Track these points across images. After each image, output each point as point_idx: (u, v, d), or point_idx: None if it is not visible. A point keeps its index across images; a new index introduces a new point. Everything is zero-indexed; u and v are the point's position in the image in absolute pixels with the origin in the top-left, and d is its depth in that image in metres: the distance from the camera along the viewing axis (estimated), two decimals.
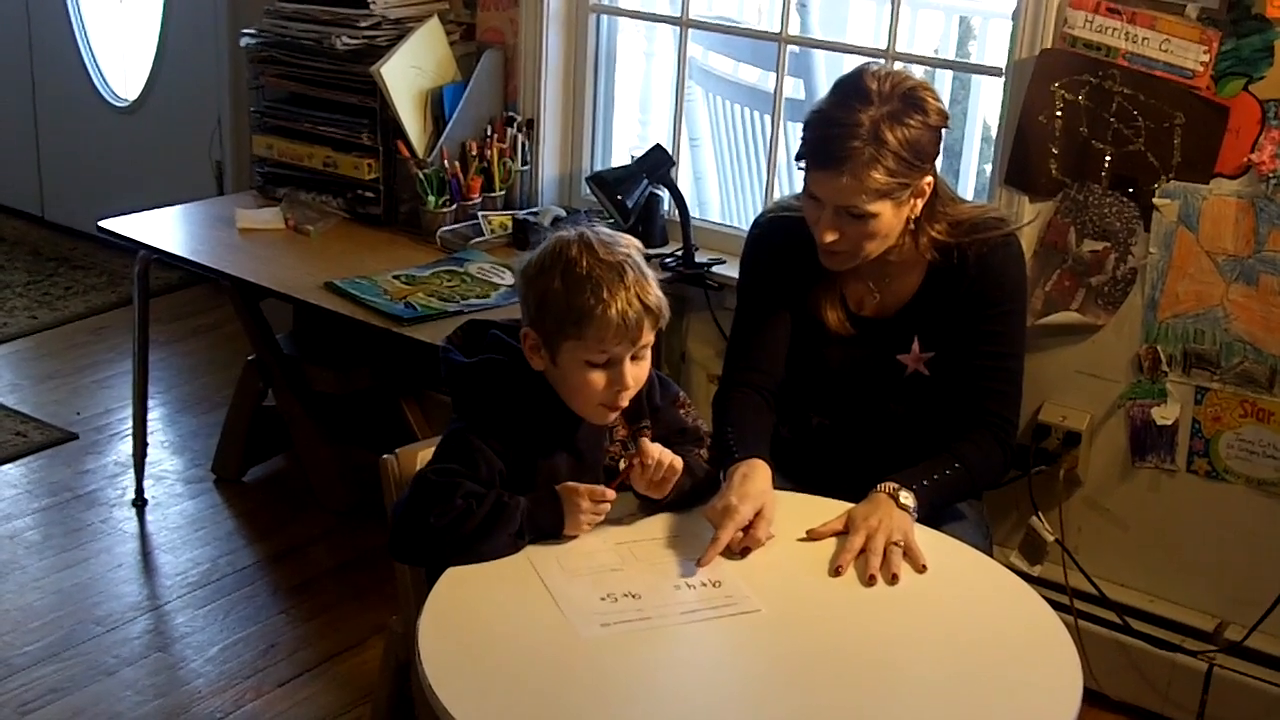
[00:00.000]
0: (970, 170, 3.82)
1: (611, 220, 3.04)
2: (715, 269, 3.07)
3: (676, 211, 3.10)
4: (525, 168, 3.30)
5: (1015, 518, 2.78)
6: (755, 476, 1.95)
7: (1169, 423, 2.62)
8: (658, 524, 1.92)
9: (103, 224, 3.18)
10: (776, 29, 3.13)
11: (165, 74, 4.54)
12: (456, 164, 3.20)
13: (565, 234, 1.85)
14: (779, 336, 2.26)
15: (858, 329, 2.22)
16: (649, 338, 1.85)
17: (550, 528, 1.84)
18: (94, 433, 3.67)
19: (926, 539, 1.97)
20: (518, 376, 1.88)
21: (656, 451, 1.87)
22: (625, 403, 1.87)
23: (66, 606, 2.95)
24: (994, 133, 2.88)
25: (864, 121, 2.01)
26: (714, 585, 1.79)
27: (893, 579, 1.84)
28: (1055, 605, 1.87)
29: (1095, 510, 2.75)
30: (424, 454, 1.98)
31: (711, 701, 1.62)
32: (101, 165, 4.76)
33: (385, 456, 1.99)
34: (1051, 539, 2.70)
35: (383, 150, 3.25)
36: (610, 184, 3.04)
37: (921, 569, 1.88)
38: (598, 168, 3.36)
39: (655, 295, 1.83)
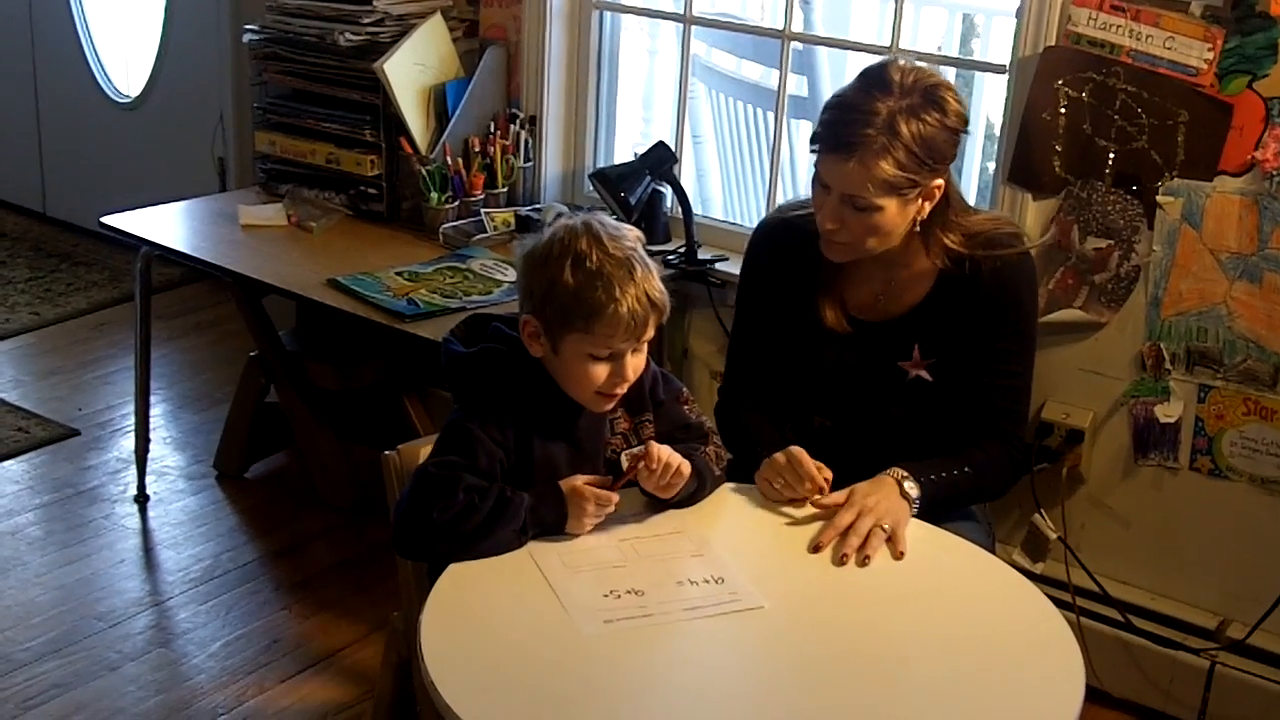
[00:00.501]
0: (973, 168, 3.81)
1: (618, 218, 3.04)
2: (718, 266, 3.07)
3: (679, 208, 3.09)
4: (528, 164, 3.30)
5: (1018, 515, 2.78)
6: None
7: (1172, 420, 2.61)
8: (661, 521, 1.91)
9: (105, 220, 3.18)
10: (780, 26, 3.12)
11: (168, 70, 4.54)
12: (459, 160, 3.20)
13: (571, 223, 1.84)
14: (777, 345, 2.25)
15: (855, 328, 2.21)
16: (651, 332, 1.86)
17: (553, 524, 1.84)
18: (96, 429, 3.67)
19: (930, 536, 1.97)
20: (517, 365, 1.88)
21: (665, 455, 1.87)
22: (622, 392, 1.88)
23: (69, 602, 2.95)
24: (997, 130, 2.87)
25: (880, 110, 2.00)
26: (717, 582, 1.79)
27: (864, 560, 1.86)
28: (1057, 603, 1.87)
29: (1098, 508, 2.75)
30: (426, 450, 1.98)
31: (714, 698, 1.62)
32: (104, 161, 4.76)
33: (387, 453, 1.99)
34: (1054, 536, 2.69)
35: (385, 147, 3.25)
36: (613, 181, 3.03)
37: (899, 556, 1.89)
38: (600, 164, 3.35)
39: (660, 290, 1.84)
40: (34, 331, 4.22)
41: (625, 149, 3.43)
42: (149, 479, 3.39)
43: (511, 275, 2.92)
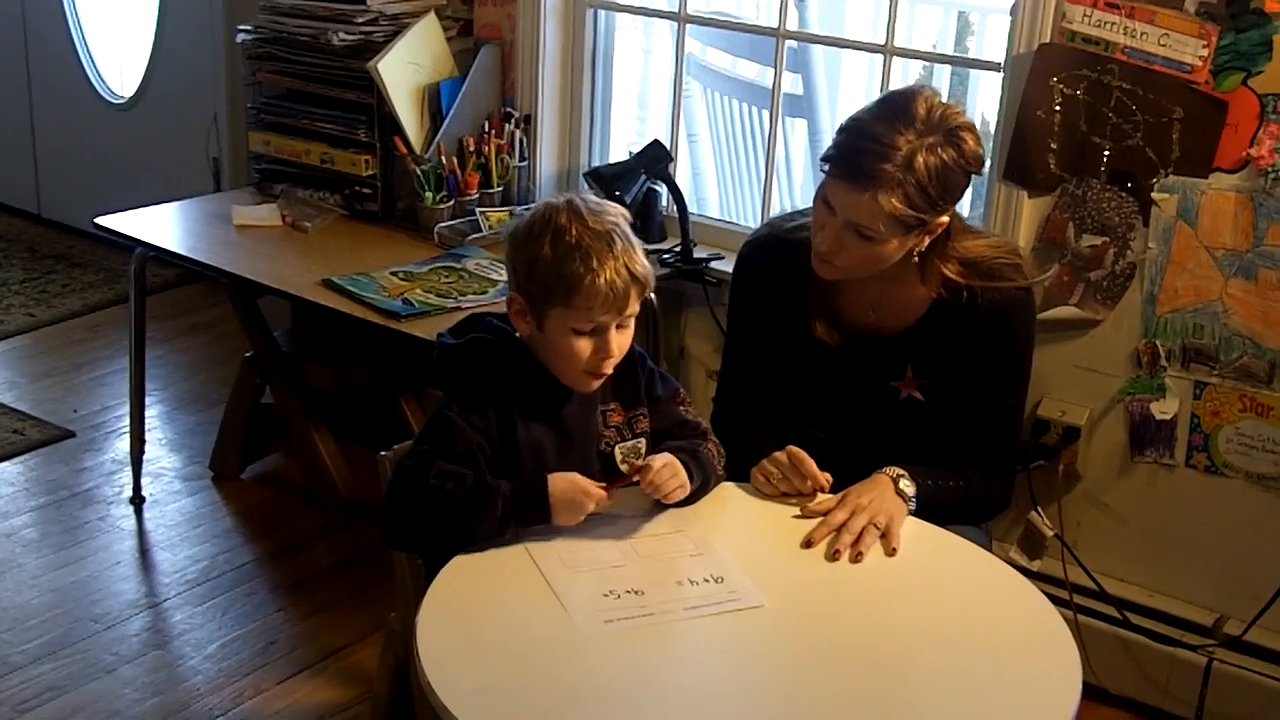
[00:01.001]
0: None
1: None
2: (713, 265, 3.07)
3: (675, 207, 3.09)
4: (523, 164, 3.30)
5: (1014, 513, 2.78)
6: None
7: (1168, 417, 2.62)
8: (660, 520, 1.91)
9: (99, 221, 3.18)
10: (775, 24, 3.12)
11: (161, 70, 4.53)
12: (454, 160, 3.20)
13: (554, 200, 1.87)
14: (770, 362, 2.24)
15: (847, 341, 2.19)
16: (635, 307, 1.86)
17: (536, 515, 1.82)
18: (91, 430, 3.66)
19: (927, 534, 1.97)
20: (503, 351, 1.90)
21: (664, 474, 1.87)
22: (609, 370, 1.88)
23: (64, 604, 2.94)
24: (992, 128, 2.87)
25: (901, 146, 1.96)
26: (717, 581, 1.79)
27: (856, 556, 1.86)
28: (1054, 600, 1.87)
29: (1094, 505, 2.75)
30: None
31: (714, 697, 1.62)
32: (98, 162, 4.75)
33: (382, 454, 1.99)
34: (1051, 534, 2.70)
35: (380, 146, 3.24)
36: (608, 180, 3.03)
37: (891, 552, 1.89)
38: (595, 163, 3.35)
39: (642, 264, 1.84)
40: (29, 333, 4.21)
41: (620, 148, 3.42)
42: (144, 480, 3.38)
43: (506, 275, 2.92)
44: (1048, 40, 2.57)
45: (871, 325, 2.19)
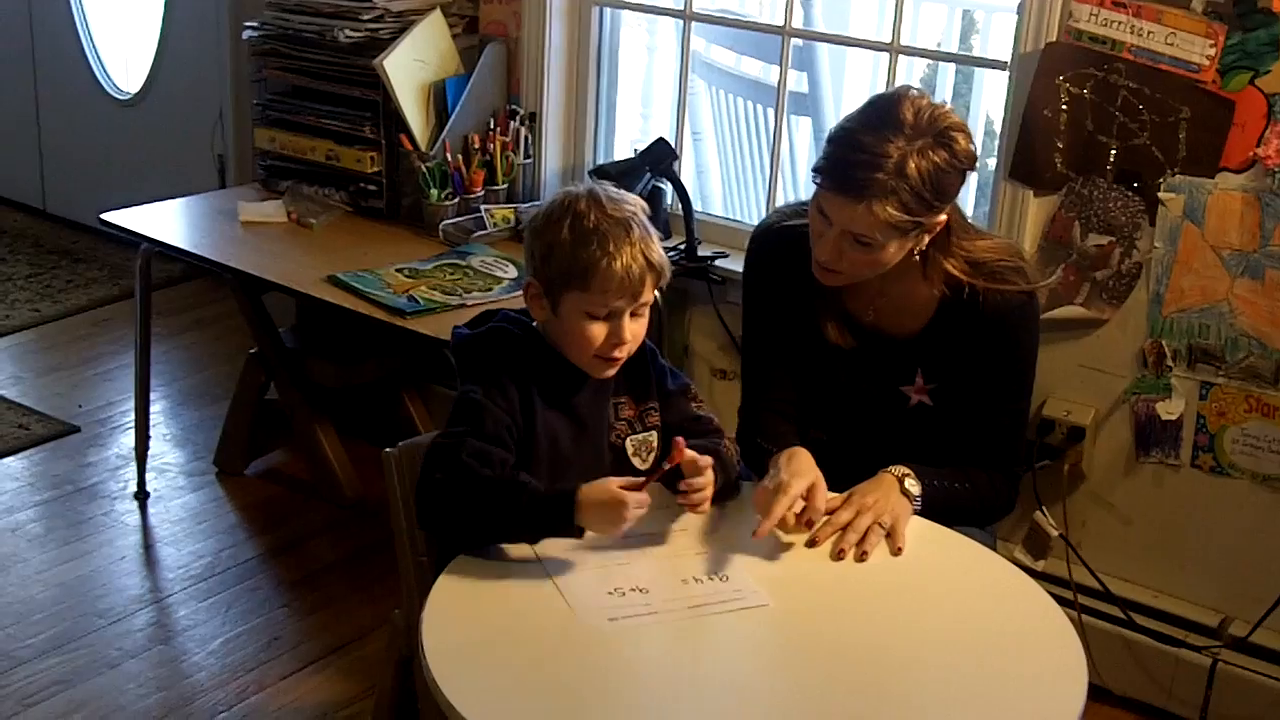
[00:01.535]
0: None
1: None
2: (718, 263, 3.06)
3: (679, 205, 3.09)
4: (528, 161, 3.30)
5: (1019, 512, 2.77)
6: (800, 456, 1.96)
7: (1174, 418, 2.61)
8: (666, 517, 1.91)
9: (105, 217, 3.18)
10: (780, 22, 3.12)
11: (167, 67, 4.53)
12: (459, 157, 3.20)
13: (574, 189, 1.89)
14: (790, 355, 2.23)
15: (860, 341, 2.19)
16: (649, 295, 1.87)
17: (561, 524, 1.78)
18: (96, 425, 3.67)
19: (932, 534, 1.97)
20: (520, 338, 1.91)
21: (708, 491, 1.85)
22: (621, 356, 1.88)
23: (69, 599, 2.94)
24: (998, 127, 2.87)
25: (892, 154, 1.94)
26: (722, 579, 1.79)
27: (861, 556, 1.86)
28: (1059, 600, 1.86)
29: (1099, 505, 2.75)
30: (426, 446, 1.98)
31: (719, 695, 1.62)
32: (103, 158, 4.75)
33: (387, 450, 1.99)
34: (1055, 534, 2.69)
35: (385, 143, 3.24)
36: (613, 177, 3.00)
37: (896, 551, 1.89)
38: (600, 161, 3.35)
39: (659, 253, 1.86)
40: (34, 328, 4.22)
41: (625, 145, 3.42)
42: (149, 476, 3.38)
43: (512, 272, 2.92)
44: (1054, 39, 2.57)
45: (881, 327, 2.18)
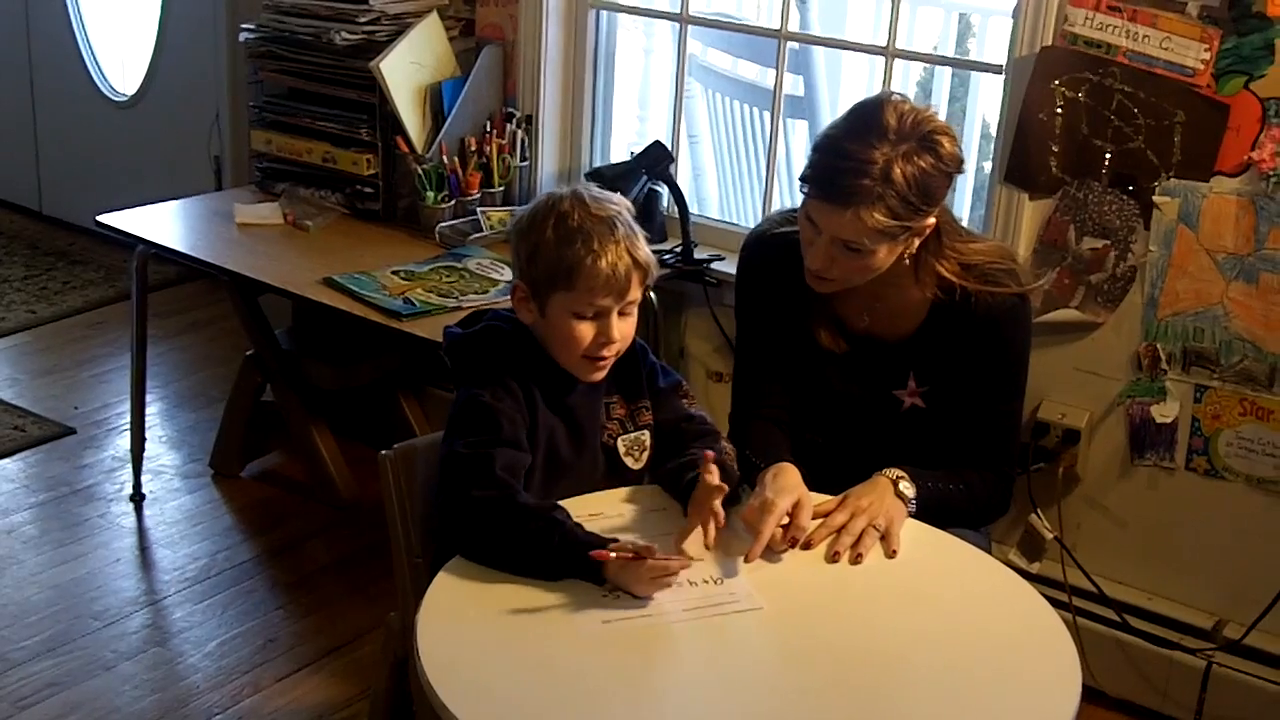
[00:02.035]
0: (969, 168, 3.82)
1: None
2: (714, 265, 3.07)
3: (675, 208, 3.09)
4: (524, 163, 3.30)
5: (1014, 515, 2.77)
6: (785, 473, 1.95)
7: (1168, 421, 2.62)
8: (659, 521, 1.91)
9: (101, 219, 3.18)
10: (776, 25, 3.12)
11: (164, 69, 4.53)
12: (455, 159, 3.20)
13: (558, 190, 1.90)
14: (783, 361, 2.24)
15: (852, 346, 2.19)
16: (636, 293, 1.87)
17: (590, 578, 1.74)
18: (92, 427, 3.67)
19: (927, 536, 1.97)
20: (513, 336, 1.91)
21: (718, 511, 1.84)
22: (609, 356, 1.88)
23: (64, 601, 2.94)
24: (993, 130, 2.88)
25: (877, 160, 1.94)
26: (716, 582, 1.79)
27: (856, 559, 1.86)
28: (1054, 603, 1.87)
29: (1094, 508, 2.75)
30: (423, 449, 1.98)
31: (713, 698, 1.62)
32: (100, 160, 4.75)
33: (383, 453, 1.99)
34: (1050, 536, 2.70)
35: (382, 146, 3.24)
36: (609, 180, 3.02)
37: (891, 554, 1.89)
38: (597, 164, 3.35)
39: (644, 251, 1.86)
40: (30, 330, 4.22)
41: (621, 148, 3.42)
42: (145, 478, 3.38)
43: (508, 274, 2.92)
44: (1049, 43, 2.57)
45: (872, 331, 2.19)
